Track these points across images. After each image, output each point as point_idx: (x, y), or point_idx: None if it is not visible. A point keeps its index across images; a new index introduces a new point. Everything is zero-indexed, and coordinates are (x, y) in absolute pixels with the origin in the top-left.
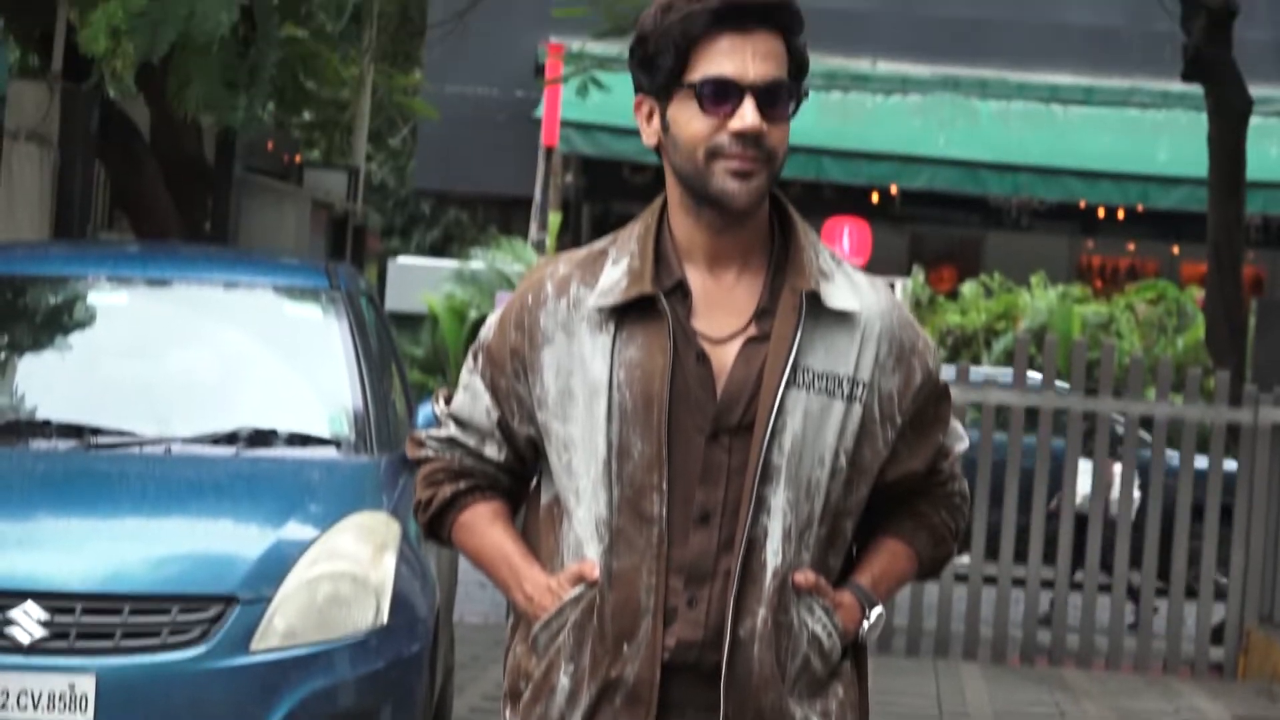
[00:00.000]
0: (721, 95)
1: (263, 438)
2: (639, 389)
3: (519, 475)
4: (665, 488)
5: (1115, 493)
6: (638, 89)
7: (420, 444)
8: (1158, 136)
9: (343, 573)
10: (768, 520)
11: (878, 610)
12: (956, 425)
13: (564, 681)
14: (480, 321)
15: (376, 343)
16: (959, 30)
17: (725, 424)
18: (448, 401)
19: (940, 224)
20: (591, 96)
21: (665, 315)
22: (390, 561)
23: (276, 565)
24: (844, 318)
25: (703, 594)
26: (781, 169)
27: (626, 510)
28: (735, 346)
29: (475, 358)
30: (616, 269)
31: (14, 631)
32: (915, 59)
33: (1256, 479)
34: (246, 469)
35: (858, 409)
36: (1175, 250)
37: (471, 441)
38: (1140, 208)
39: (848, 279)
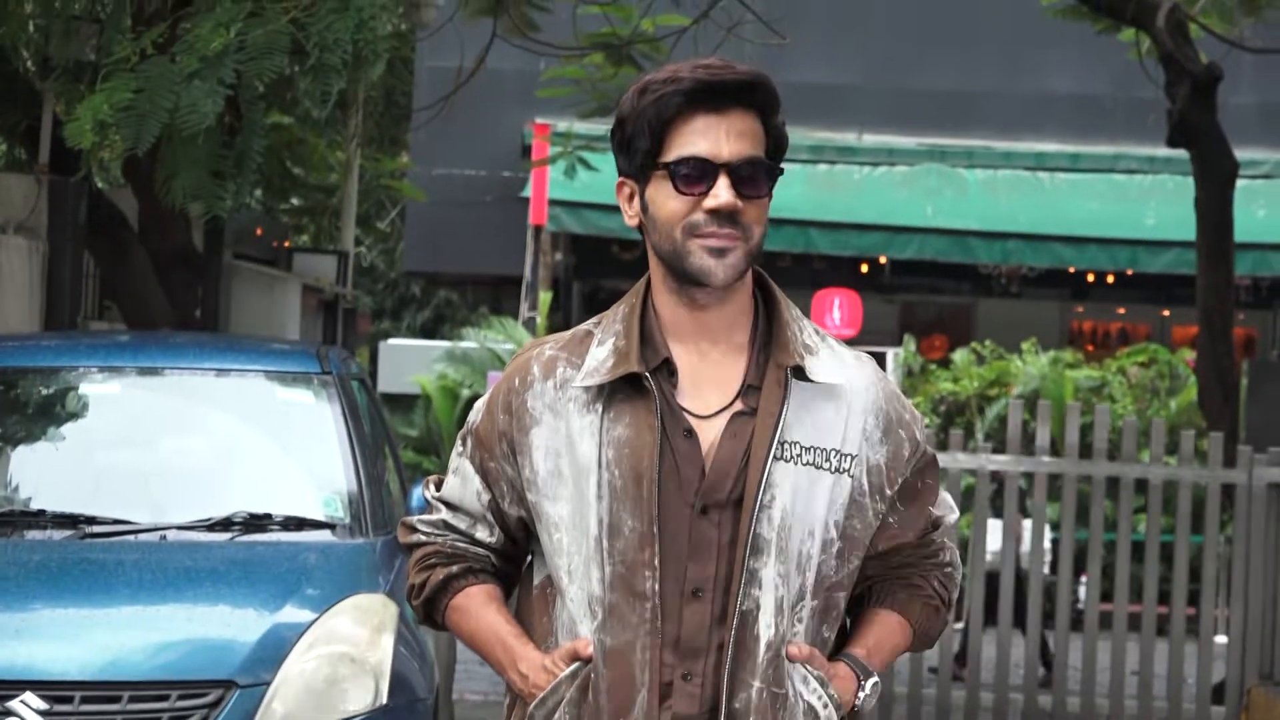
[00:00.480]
0: (696, 174)
1: (258, 522)
2: (628, 466)
3: (511, 558)
4: (657, 564)
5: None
6: (620, 171)
7: (412, 529)
8: (1145, 201)
9: (341, 654)
10: (759, 593)
11: (873, 680)
12: (946, 496)
13: None
14: (473, 400)
15: (369, 425)
16: (944, 101)
17: (714, 499)
18: (438, 487)
19: (930, 293)
20: (579, 175)
21: (652, 393)
22: (388, 642)
23: (274, 649)
24: (829, 390)
25: (697, 668)
26: (761, 245)
27: (620, 587)
28: (722, 422)
29: (464, 442)
30: (602, 349)
31: None
32: (901, 131)
33: (1253, 539)
34: (242, 554)
35: (846, 481)
36: (1165, 313)
37: (463, 525)
38: (1129, 272)
39: (832, 353)
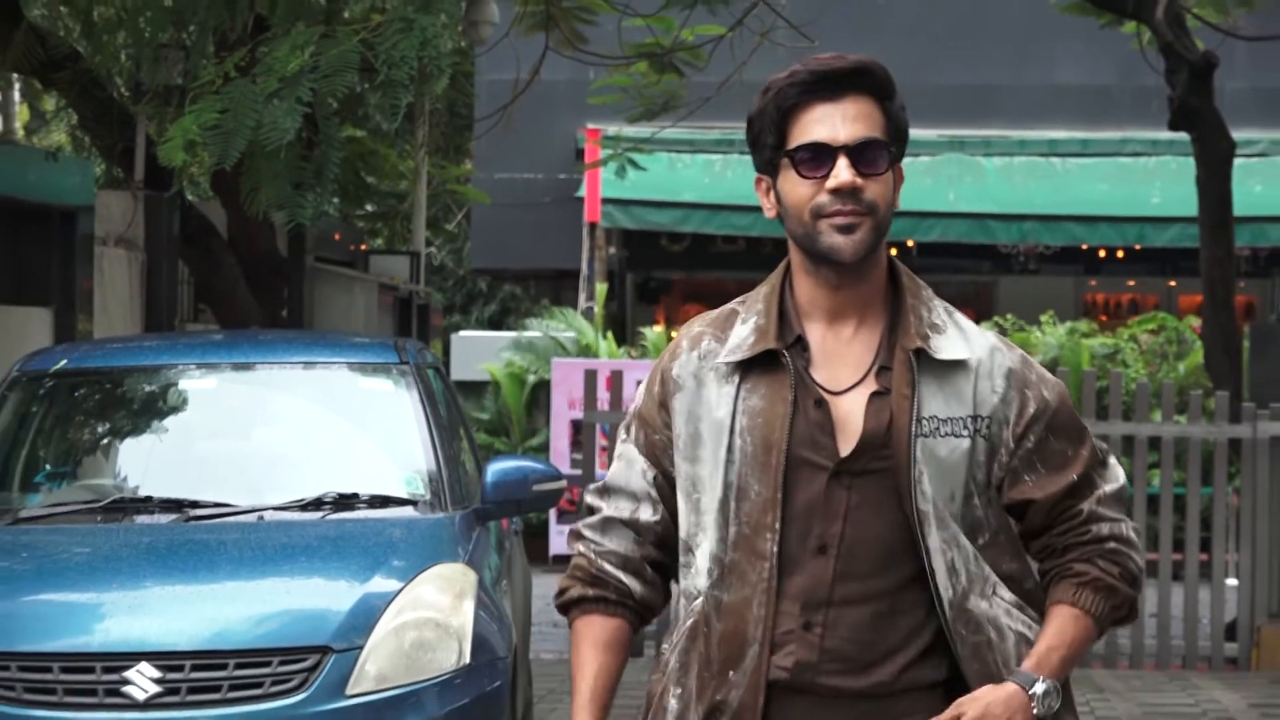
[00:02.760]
0: (817, 158)
1: (346, 501)
2: (760, 435)
3: (670, 548)
4: (779, 527)
5: None
6: (756, 168)
7: (578, 537)
8: (1150, 181)
9: (426, 619)
10: (932, 562)
11: (1041, 686)
12: (1114, 469)
13: (672, 704)
14: (539, 385)
15: (445, 409)
16: (962, 95)
17: (850, 468)
18: (599, 495)
19: (954, 272)
20: (629, 175)
21: (788, 367)
22: (469, 607)
23: (365, 616)
24: (958, 365)
25: (818, 618)
26: (888, 222)
27: (742, 546)
28: (855, 397)
29: (628, 430)
30: (745, 326)
31: (131, 690)
32: (922, 124)
33: (1259, 488)
34: (333, 531)
35: (981, 441)
36: (1172, 284)
37: (626, 512)
38: (1138, 247)
39: (959, 329)
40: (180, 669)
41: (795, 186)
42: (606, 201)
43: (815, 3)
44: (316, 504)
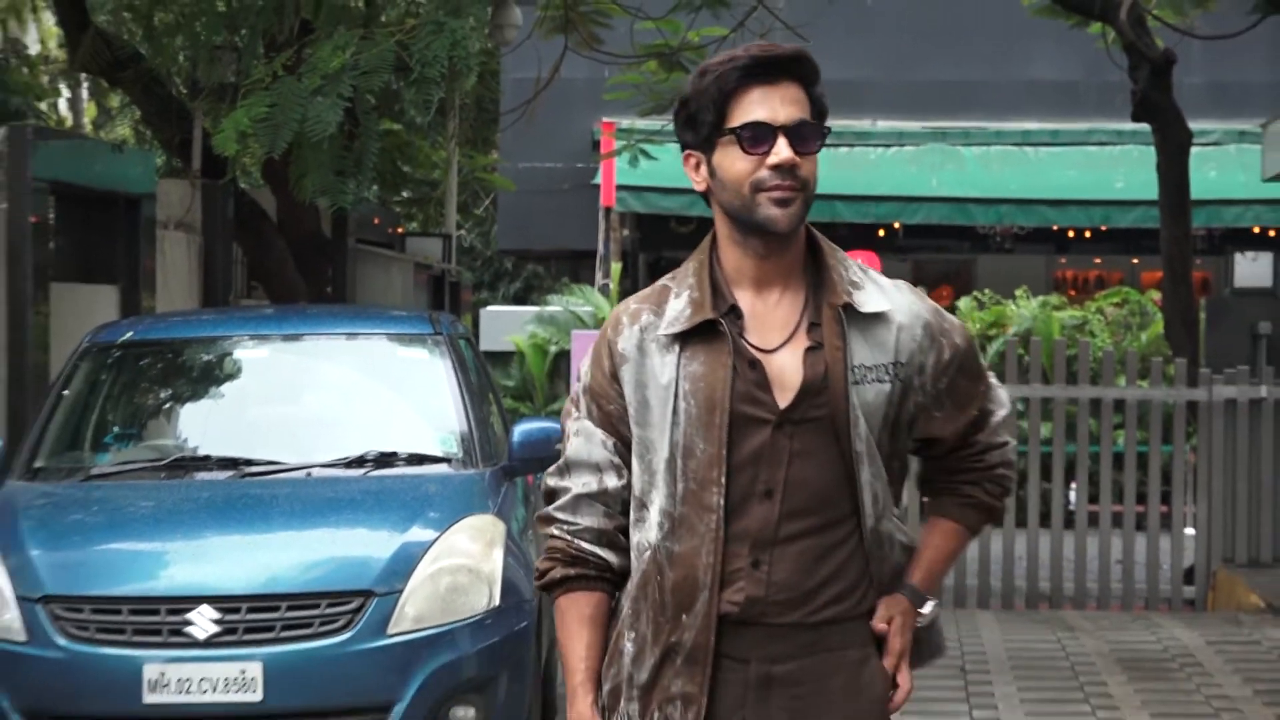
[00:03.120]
0: (759, 136)
1: (386, 459)
2: (703, 397)
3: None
4: (724, 481)
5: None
6: (684, 146)
7: (548, 520)
8: (1115, 168)
9: (460, 566)
10: (861, 494)
11: (931, 605)
12: (1003, 395)
13: (629, 642)
14: (560, 355)
15: (475, 376)
16: (944, 91)
17: (791, 417)
18: (560, 473)
19: (937, 251)
20: (641, 164)
21: (725, 334)
22: (498, 554)
23: (404, 563)
24: (879, 316)
25: (765, 556)
26: (813, 196)
27: (690, 501)
28: (788, 354)
29: (577, 405)
30: (680, 300)
31: (193, 630)
32: (908, 117)
33: (1214, 446)
34: (374, 486)
35: (899, 384)
36: (1135, 261)
37: (594, 484)
38: (1103, 228)
39: (876, 285)
40: (237, 611)
41: (736, 162)
42: (620, 188)
43: (810, 5)
44: (359, 462)
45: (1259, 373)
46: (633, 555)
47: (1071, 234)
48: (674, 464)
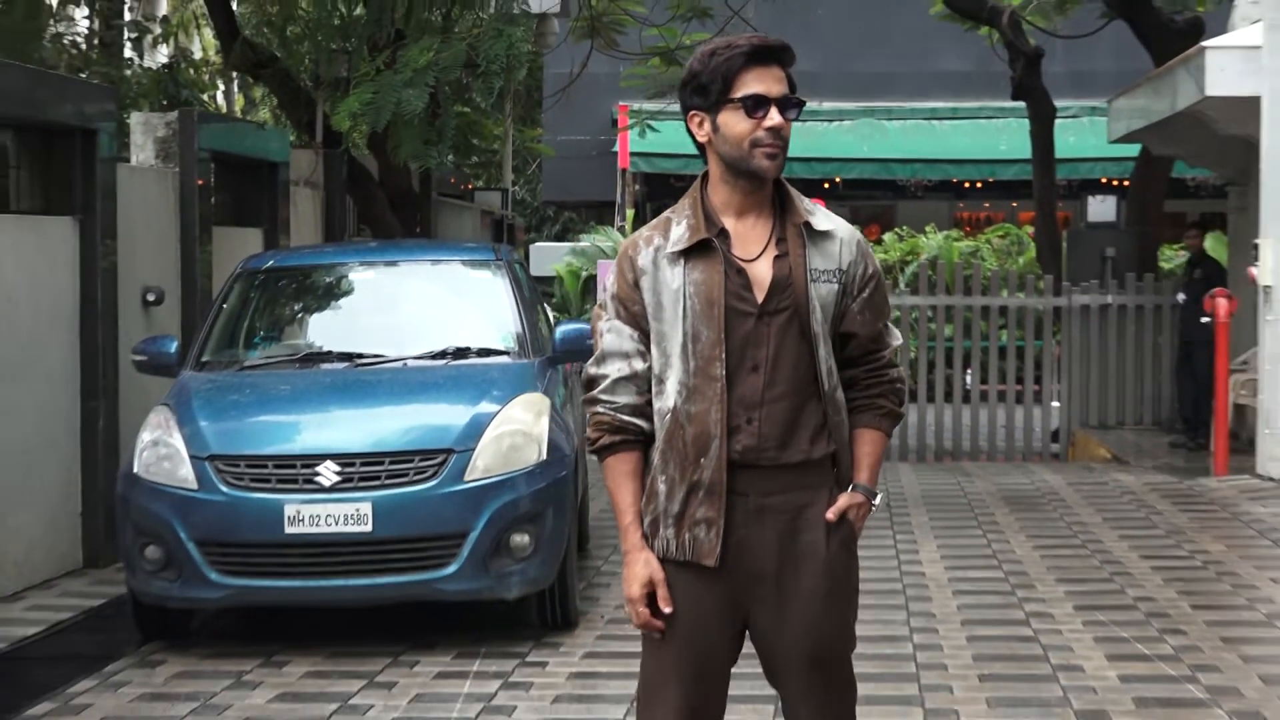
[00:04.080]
0: (758, 105)
1: (461, 353)
2: (704, 296)
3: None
4: (724, 357)
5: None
6: (690, 109)
7: (592, 402)
8: (999, 135)
9: (517, 430)
10: (819, 367)
11: (880, 496)
12: (894, 330)
13: (662, 485)
14: (589, 278)
15: (527, 292)
16: (872, 79)
17: (767, 310)
18: (597, 363)
19: (867, 199)
20: (648, 136)
21: (717, 250)
22: (545, 422)
23: (476, 428)
24: (827, 234)
25: (755, 415)
26: (787, 153)
27: (699, 374)
28: (762, 262)
29: (606, 309)
30: (680, 227)
31: (320, 479)
32: (847, 98)
33: (1074, 341)
34: (453, 372)
35: (839, 286)
36: (1014, 205)
37: (625, 369)
38: (991, 180)
39: (824, 214)
40: (352, 465)
41: (739, 123)
42: (633, 154)
43: (775, 17)
44: (442, 355)
45: (1106, 285)
46: (656, 419)
47: (967, 185)
48: (686, 348)
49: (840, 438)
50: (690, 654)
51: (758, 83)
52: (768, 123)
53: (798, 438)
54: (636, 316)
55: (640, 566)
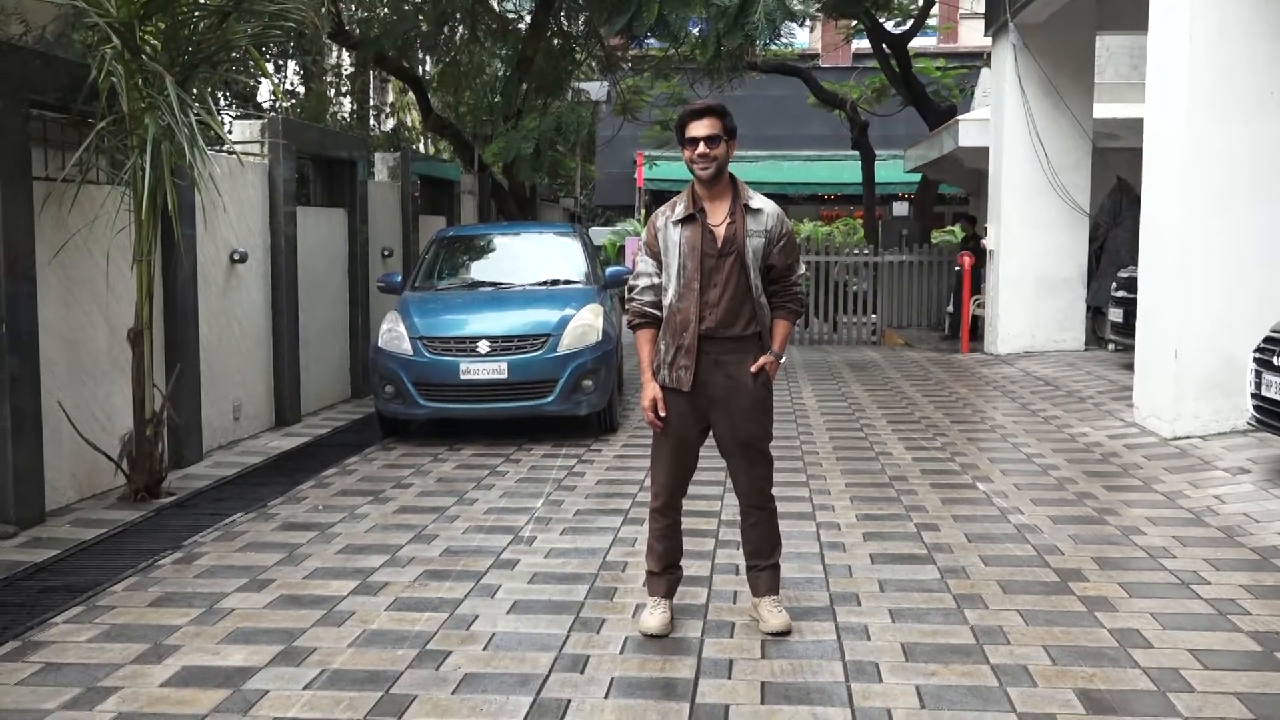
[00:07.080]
0: (693, 142)
1: (555, 282)
2: (689, 245)
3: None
4: (699, 278)
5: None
6: (680, 144)
7: (629, 300)
8: (844, 170)
9: (586, 324)
10: (752, 285)
11: (784, 358)
12: (801, 266)
13: (662, 346)
14: (621, 247)
15: (590, 249)
16: (774, 137)
17: (724, 253)
18: (634, 276)
19: None
20: (655, 169)
21: (699, 220)
22: (600, 320)
23: (563, 323)
24: (759, 210)
25: (715, 309)
26: (725, 166)
27: (686, 287)
28: (723, 226)
29: (641, 251)
30: (679, 208)
31: (478, 349)
32: (756, 148)
33: (884, 279)
34: (551, 292)
35: (765, 241)
36: (851, 208)
37: (648, 282)
38: (839, 194)
39: (760, 198)
40: (496, 342)
41: (686, 152)
42: (646, 179)
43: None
44: (544, 283)
45: (903, 250)
46: (664, 310)
47: (826, 197)
48: (680, 273)
49: (763, 323)
50: (676, 439)
51: (694, 129)
52: (697, 151)
53: (738, 322)
54: (656, 254)
55: (650, 389)
